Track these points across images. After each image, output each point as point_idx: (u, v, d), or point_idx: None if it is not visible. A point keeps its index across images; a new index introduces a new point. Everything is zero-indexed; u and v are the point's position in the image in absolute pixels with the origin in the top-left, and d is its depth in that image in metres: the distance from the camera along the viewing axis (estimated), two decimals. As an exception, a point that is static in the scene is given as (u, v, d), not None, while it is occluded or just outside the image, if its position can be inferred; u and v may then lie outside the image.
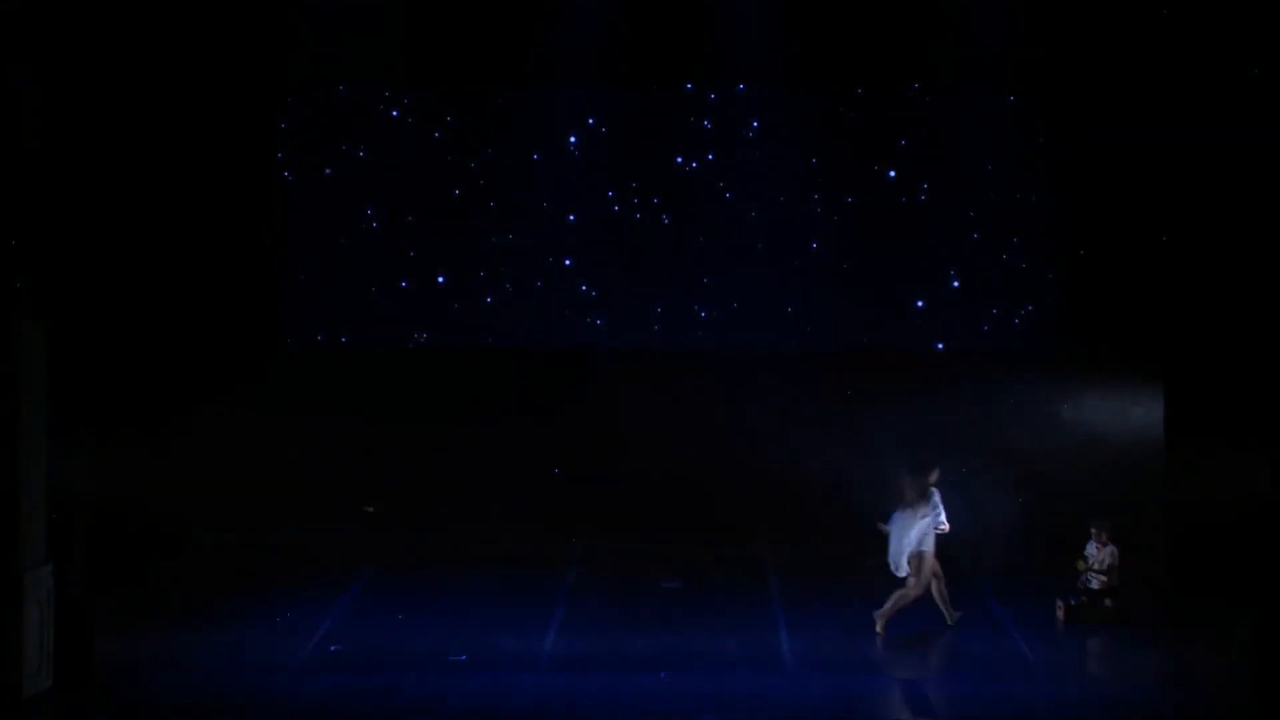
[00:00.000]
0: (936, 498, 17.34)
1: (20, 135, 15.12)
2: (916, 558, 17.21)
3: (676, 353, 21.39)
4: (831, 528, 20.95)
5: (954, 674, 16.20)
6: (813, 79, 20.78)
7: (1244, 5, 18.64)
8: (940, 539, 17.32)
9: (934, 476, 17.38)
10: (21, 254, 15.11)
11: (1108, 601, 18.11)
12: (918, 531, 17.22)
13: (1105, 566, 18.01)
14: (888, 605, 17.24)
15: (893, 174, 21.15)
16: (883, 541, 19.95)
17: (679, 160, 21.35)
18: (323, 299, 21.40)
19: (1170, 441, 20.14)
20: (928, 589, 17.29)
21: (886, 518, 17.46)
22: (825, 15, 20.26)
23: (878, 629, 17.22)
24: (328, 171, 21.30)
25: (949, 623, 17.46)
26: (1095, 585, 17.98)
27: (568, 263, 21.43)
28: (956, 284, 21.22)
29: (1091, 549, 18.10)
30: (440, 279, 21.39)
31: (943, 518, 17.28)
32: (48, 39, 15.71)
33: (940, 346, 21.22)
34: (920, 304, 21.24)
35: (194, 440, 20.82)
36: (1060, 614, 18.05)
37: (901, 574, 17.26)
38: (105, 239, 18.57)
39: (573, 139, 21.33)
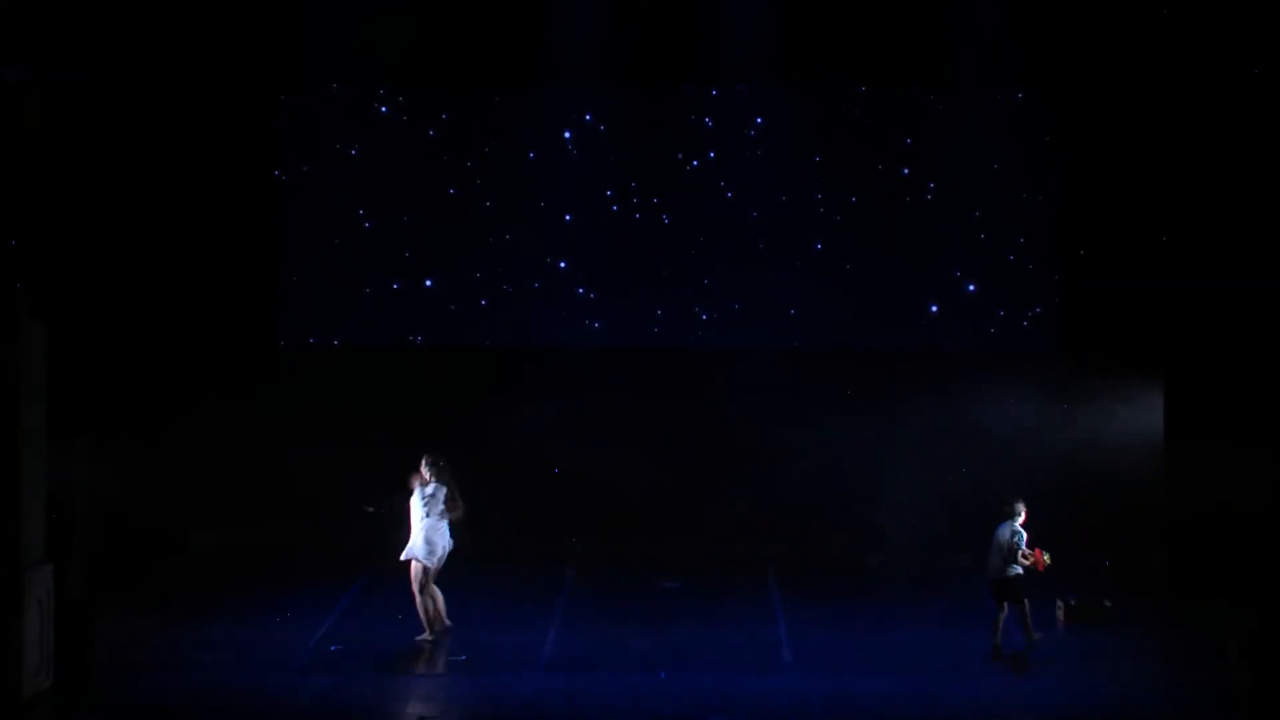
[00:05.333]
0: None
1: (20, 135, 15.11)
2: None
3: (677, 353, 21.37)
4: (832, 527, 20.98)
5: (954, 674, 16.19)
6: (815, 76, 20.75)
7: (1245, 5, 18.65)
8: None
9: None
10: (21, 254, 15.10)
11: (1107, 602, 18.13)
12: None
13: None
14: None
15: (896, 173, 21.09)
16: (885, 539, 20.03)
17: (679, 159, 21.30)
18: (318, 300, 21.37)
19: (1170, 442, 20.15)
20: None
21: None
22: (828, 12, 20.23)
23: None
24: (320, 171, 21.25)
25: None
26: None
27: (563, 264, 21.38)
28: (961, 285, 21.17)
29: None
30: (436, 280, 21.35)
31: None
32: (47, 39, 15.71)
33: (944, 348, 21.17)
34: (924, 304, 21.19)
35: (191, 441, 20.84)
36: (1060, 614, 18.05)
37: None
38: (104, 240, 18.57)
39: (567, 134, 21.26)
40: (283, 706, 14.89)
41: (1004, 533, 16.56)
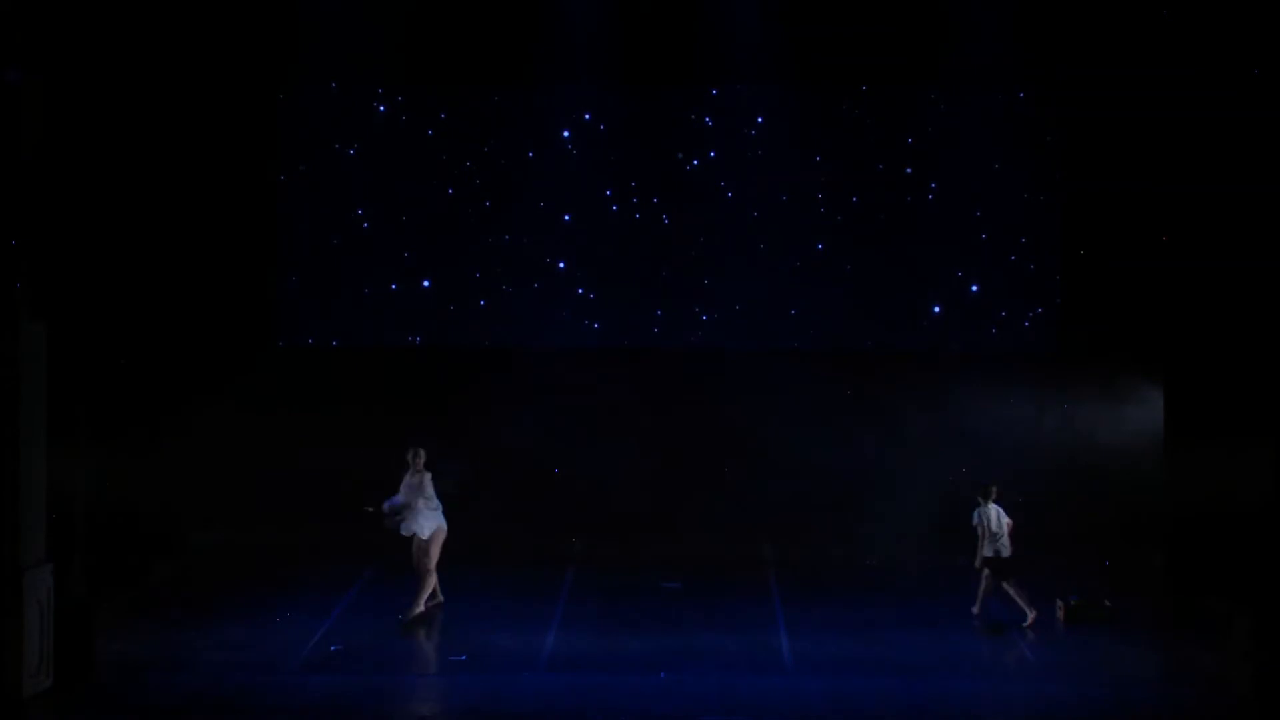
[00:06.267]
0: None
1: (20, 135, 15.10)
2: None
3: (676, 354, 21.37)
4: (832, 527, 20.97)
5: (954, 674, 16.20)
6: (816, 76, 20.72)
7: (1245, 5, 18.66)
8: None
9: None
10: (21, 254, 15.10)
11: (1107, 602, 18.15)
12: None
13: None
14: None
15: (898, 173, 21.07)
16: (886, 540, 20.00)
17: (679, 159, 21.27)
18: (317, 300, 21.35)
19: (1170, 442, 20.14)
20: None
21: None
22: (828, 11, 20.20)
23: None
24: (319, 171, 21.23)
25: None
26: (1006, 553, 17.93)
27: (562, 265, 21.36)
28: (962, 285, 21.15)
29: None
30: (435, 280, 21.33)
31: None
32: (47, 40, 15.70)
33: (945, 348, 21.15)
34: (925, 305, 21.17)
35: (191, 440, 20.82)
36: (1060, 614, 18.06)
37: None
38: (104, 240, 18.57)
39: (566, 133, 21.22)
40: (283, 706, 14.88)
41: (997, 513, 17.82)
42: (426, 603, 17.71)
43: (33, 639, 14.90)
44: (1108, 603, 18.12)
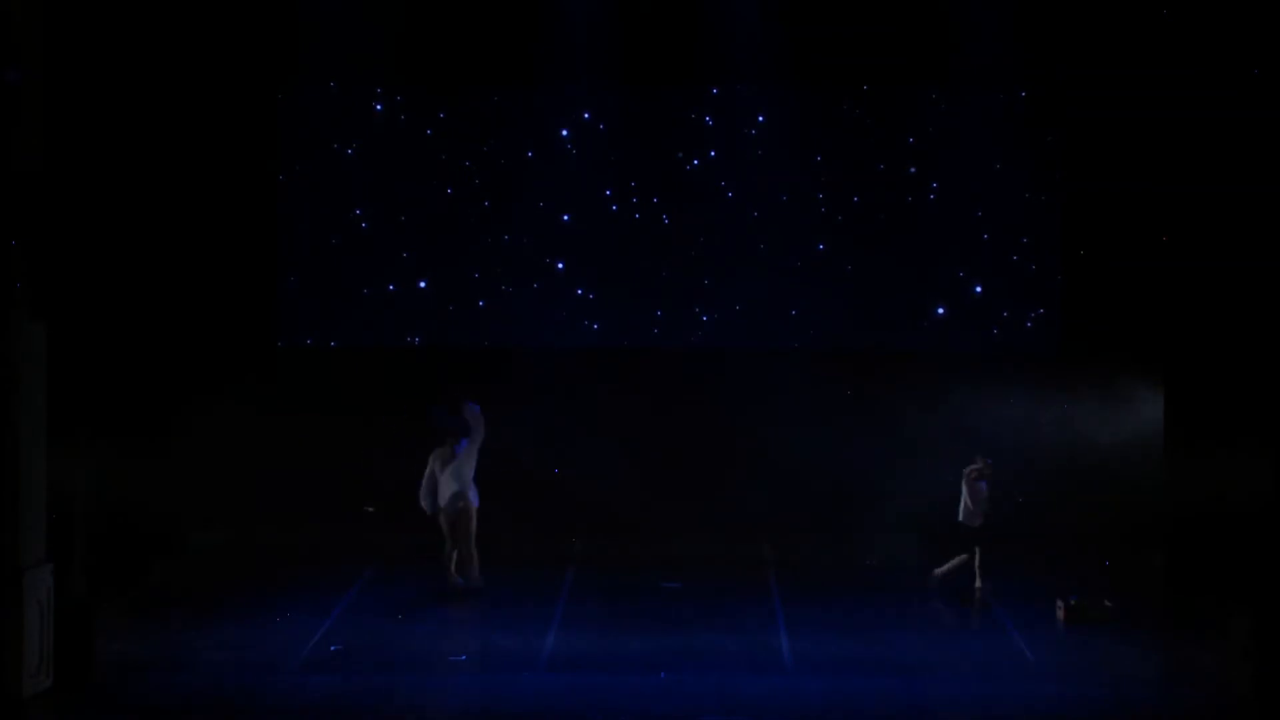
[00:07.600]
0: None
1: (20, 135, 15.10)
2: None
3: (676, 355, 21.36)
4: (832, 528, 20.96)
5: (954, 674, 16.20)
6: (816, 75, 20.71)
7: (1245, 5, 18.66)
8: None
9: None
10: (21, 254, 15.09)
11: (1107, 602, 18.15)
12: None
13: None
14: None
15: (898, 173, 21.06)
16: (886, 540, 20.01)
17: (679, 158, 21.26)
18: (316, 300, 21.33)
19: (1171, 442, 20.14)
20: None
21: None
22: (829, 11, 20.19)
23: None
24: (318, 172, 21.21)
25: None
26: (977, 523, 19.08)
27: (561, 265, 21.35)
28: (963, 285, 21.14)
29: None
30: (434, 280, 21.31)
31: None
32: (47, 40, 15.69)
33: (946, 348, 21.13)
34: (926, 305, 21.16)
35: (191, 440, 20.81)
36: (1060, 614, 18.06)
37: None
38: (104, 240, 18.57)
39: (565, 132, 21.21)
40: (283, 706, 14.87)
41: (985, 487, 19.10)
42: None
43: (33, 639, 14.89)
44: (1108, 603, 18.12)
